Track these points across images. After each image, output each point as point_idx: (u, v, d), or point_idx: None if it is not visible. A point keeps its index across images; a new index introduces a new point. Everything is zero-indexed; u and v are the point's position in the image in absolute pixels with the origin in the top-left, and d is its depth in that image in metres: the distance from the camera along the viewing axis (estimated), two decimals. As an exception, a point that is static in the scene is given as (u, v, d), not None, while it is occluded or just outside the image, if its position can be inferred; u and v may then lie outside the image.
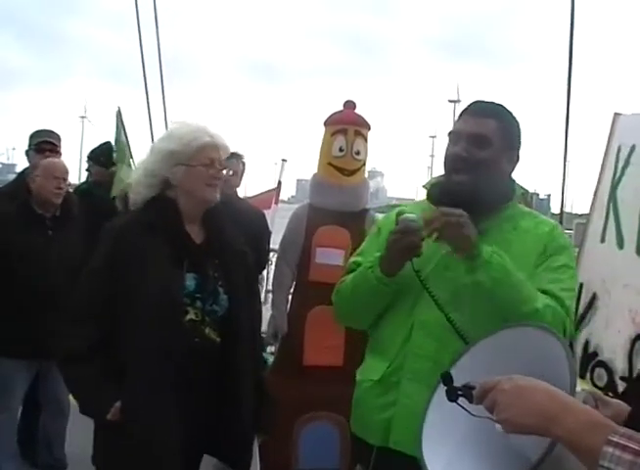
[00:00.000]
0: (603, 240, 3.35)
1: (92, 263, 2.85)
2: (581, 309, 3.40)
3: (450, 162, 2.46)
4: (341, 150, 4.32)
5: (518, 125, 2.53)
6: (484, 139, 2.40)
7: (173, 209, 2.85)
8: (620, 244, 3.25)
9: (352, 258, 2.71)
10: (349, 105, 4.49)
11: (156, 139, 2.98)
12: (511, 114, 2.52)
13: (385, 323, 2.53)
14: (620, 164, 3.33)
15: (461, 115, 2.52)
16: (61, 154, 5.04)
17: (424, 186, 2.65)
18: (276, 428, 4.09)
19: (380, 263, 2.40)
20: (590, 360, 3.27)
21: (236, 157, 5.16)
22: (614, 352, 3.16)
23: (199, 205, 2.90)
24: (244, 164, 5.24)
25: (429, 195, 2.58)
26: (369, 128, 4.46)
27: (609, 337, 3.22)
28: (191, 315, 2.78)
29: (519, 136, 2.53)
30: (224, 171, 2.98)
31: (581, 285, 3.42)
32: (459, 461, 1.72)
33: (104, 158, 5.92)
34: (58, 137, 5.12)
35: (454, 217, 2.27)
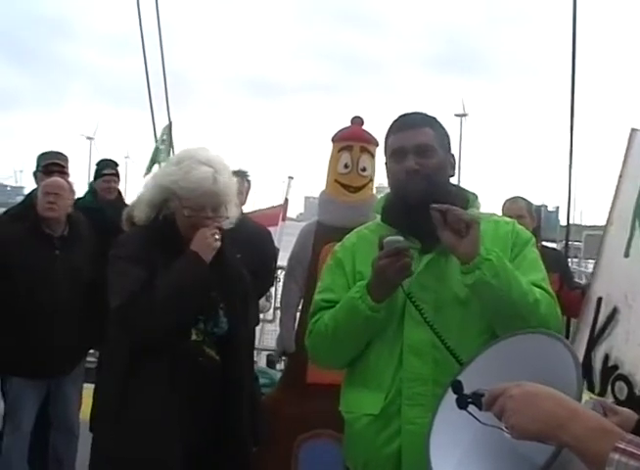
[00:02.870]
0: (627, 255, 3.36)
1: (117, 267, 2.83)
2: (600, 323, 3.40)
3: (403, 177, 2.41)
4: (346, 166, 4.32)
5: (445, 129, 2.56)
6: (429, 148, 2.42)
7: (174, 228, 2.88)
8: None
9: (319, 296, 2.57)
10: (356, 121, 4.48)
11: (163, 165, 3.03)
12: (435, 119, 2.55)
13: (368, 352, 2.44)
14: None
15: (393, 131, 2.51)
16: (69, 175, 5.06)
17: (375, 210, 2.60)
18: (276, 444, 4.10)
19: (369, 291, 2.32)
20: (610, 374, 3.26)
21: (241, 174, 5.15)
22: (635, 365, 3.15)
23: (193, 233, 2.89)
24: (249, 181, 5.23)
25: (385, 218, 2.52)
26: (377, 144, 4.40)
27: (629, 350, 3.21)
28: (193, 336, 2.82)
29: (449, 139, 2.55)
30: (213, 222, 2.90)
31: (600, 299, 3.43)
32: (467, 468, 1.72)
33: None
34: (65, 158, 5.13)
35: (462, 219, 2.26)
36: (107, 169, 5.68)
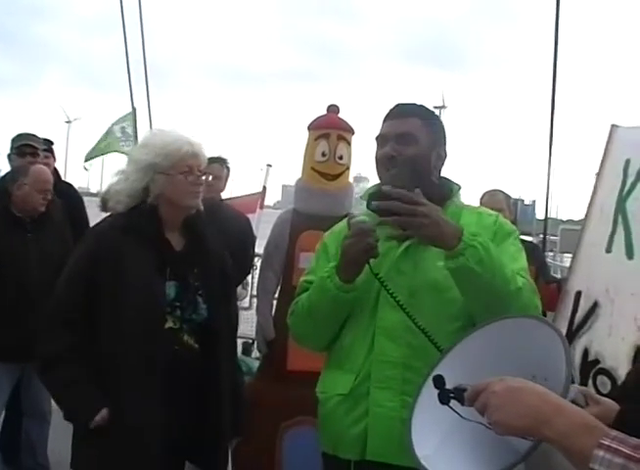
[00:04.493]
0: (609, 250, 3.38)
1: (71, 267, 2.85)
2: (579, 317, 3.41)
3: (380, 163, 2.47)
4: (323, 154, 4.30)
5: (440, 122, 2.58)
6: (410, 137, 2.43)
7: (154, 216, 2.85)
8: (630, 254, 3.29)
9: (303, 278, 2.65)
10: (333, 109, 4.47)
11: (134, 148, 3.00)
12: (432, 112, 2.58)
13: (345, 334, 2.49)
14: (631, 179, 3.39)
15: (384, 118, 2.54)
16: (40, 156, 5.00)
17: (361, 197, 2.60)
18: (259, 433, 4.09)
19: (337, 271, 2.36)
20: (591, 368, 3.27)
21: (220, 161, 5.14)
22: (616, 359, 3.17)
23: (179, 212, 2.92)
24: (228, 168, 5.23)
25: (368, 204, 2.49)
26: (353, 133, 4.44)
27: (611, 345, 3.23)
28: (169, 323, 2.79)
29: (443, 133, 2.56)
30: (203, 177, 2.99)
31: (579, 293, 3.45)
32: (447, 449, 1.71)
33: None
34: (38, 140, 5.09)
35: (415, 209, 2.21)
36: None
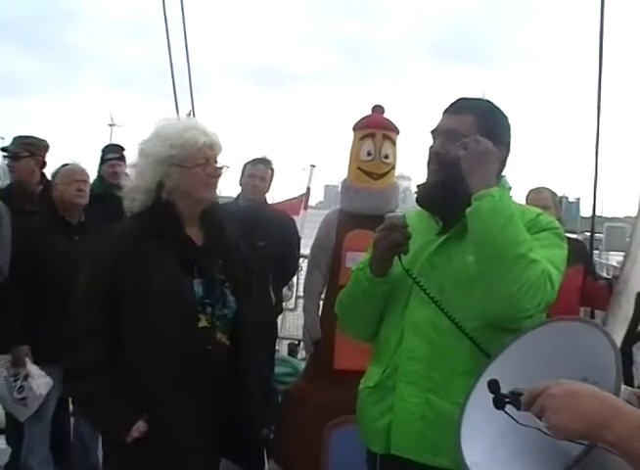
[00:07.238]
0: None
1: (92, 273, 2.74)
2: None
3: (428, 159, 2.45)
4: (369, 154, 4.30)
5: (504, 120, 2.48)
6: (459, 135, 2.36)
7: (172, 212, 2.75)
8: None
9: (354, 267, 2.64)
10: (378, 109, 4.48)
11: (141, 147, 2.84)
12: (496, 109, 2.48)
13: (382, 329, 2.51)
14: None
15: (443, 112, 2.50)
16: (38, 155, 4.91)
17: (415, 192, 2.60)
18: (305, 432, 4.10)
19: (369, 264, 2.40)
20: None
21: (264, 162, 5.16)
22: None
23: (197, 205, 2.81)
24: (272, 169, 5.23)
25: (416, 199, 2.52)
26: (398, 132, 4.43)
27: None
28: (202, 322, 2.70)
29: (504, 131, 2.47)
30: (222, 169, 2.85)
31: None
32: (497, 455, 1.70)
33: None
34: (31, 143, 4.96)
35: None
36: (110, 154, 5.58)
